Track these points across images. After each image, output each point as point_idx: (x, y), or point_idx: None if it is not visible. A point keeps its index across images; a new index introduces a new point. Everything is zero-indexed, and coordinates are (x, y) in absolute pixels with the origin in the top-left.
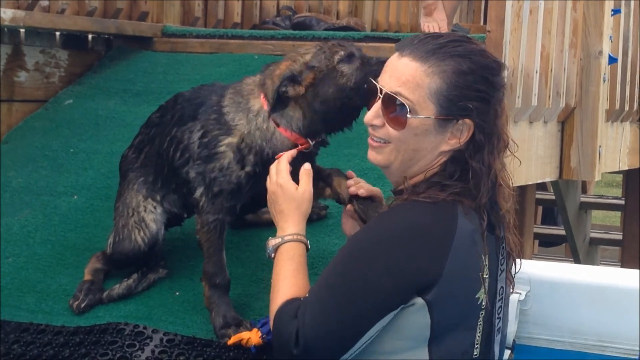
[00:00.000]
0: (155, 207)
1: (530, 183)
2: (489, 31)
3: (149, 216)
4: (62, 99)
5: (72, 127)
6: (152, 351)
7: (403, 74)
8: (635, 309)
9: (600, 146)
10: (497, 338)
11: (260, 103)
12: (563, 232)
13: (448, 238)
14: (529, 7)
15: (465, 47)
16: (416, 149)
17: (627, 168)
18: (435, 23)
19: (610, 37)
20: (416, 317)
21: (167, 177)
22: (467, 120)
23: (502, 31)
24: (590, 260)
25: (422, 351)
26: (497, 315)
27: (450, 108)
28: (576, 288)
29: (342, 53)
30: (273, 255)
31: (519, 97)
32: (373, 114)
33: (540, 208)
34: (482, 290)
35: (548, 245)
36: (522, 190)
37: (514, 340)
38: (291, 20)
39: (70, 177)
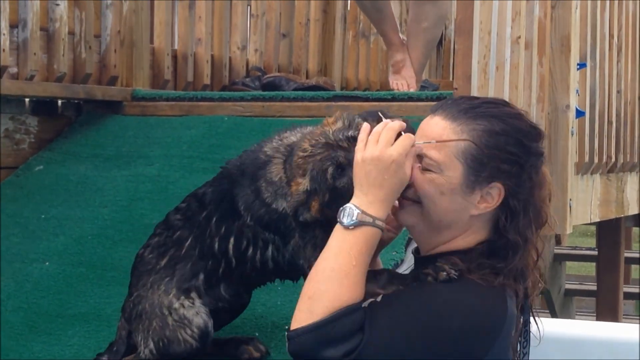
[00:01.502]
0: (193, 302)
1: None
2: (456, 88)
3: (189, 312)
4: (32, 165)
5: (43, 193)
6: None
7: (431, 133)
8: None
9: (570, 199)
10: None
11: None
12: None
13: (498, 326)
14: (495, 63)
15: (500, 109)
16: (445, 210)
17: (598, 220)
18: (404, 80)
19: (577, 90)
20: None
21: (225, 274)
22: (498, 184)
23: (469, 88)
24: (565, 311)
25: None
26: None
27: (479, 169)
28: (552, 341)
29: (331, 170)
30: (352, 227)
31: None
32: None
33: None
34: None
35: None
36: None
37: None
38: (261, 80)
39: (41, 244)
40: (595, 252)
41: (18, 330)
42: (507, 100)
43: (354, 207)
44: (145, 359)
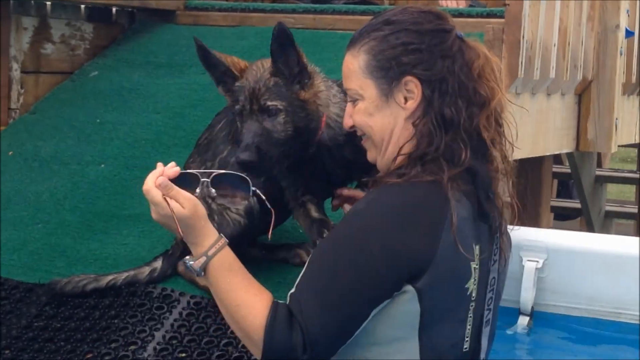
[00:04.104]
0: None
1: (548, 154)
2: (507, 4)
3: None
4: (87, 71)
5: (97, 98)
6: (180, 313)
7: (343, 69)
8: None
9: (617, 119)
10: (486, 330)
11: None
12: (578, 206)
13: (439, 222)
14: None
15: (386, 14)
16: (381, 128)
17: None
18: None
19: (628, 11)
20: (407, 305)
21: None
22: (408, 77)
23: (521, 4)
24: (605, 233)
25: (413, 341)
26: (487, 307)
27: (384, 73)
28: (592, 256)
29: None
30: (203, 274)
31: (537, 69)
32: (346, 117)
33: (555, 181)
34: (472, 280)
35: (563, 219)
36: (539, 161)
37: (532, 308)
38: None
39: (96, 147)
40: (636, 175)
41: (75, 229)
42: (558, 18)
43: (188, 264)
44: None
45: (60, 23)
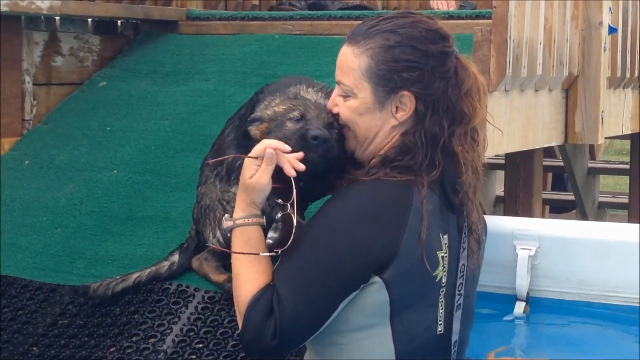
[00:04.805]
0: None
1: (538, 147)
2: (494, 7)
3: None
4: (96, 81)
5: (107, 107)
6: (195, 307)
7: (341, 62)
8: (636, 261)
9: (602, 111)
10: (458, 314)
11: None
12: (573, 198)
13: (402, 216)
14: None
15: (395, 22)
16: (367, 128)
17: (629, 132)
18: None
19: (610, 9)
20: (375, 295)
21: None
22: (405, 92)
23: (507, 5)
24: None
25: (385, 327)
26: (457, 292)
27: (384, 83)
28: (581, 243)
29: (296, 113)
30: (229, 235)
31: (524, 67)
32: (331, 103)
33: (550, 175)
34: (440, 268)
35: (559, 212)
36: (530, 155)
37: (527, 294)
38: (306, 0)
39: (109, 154)
40: (628, 166)
41: (92, 232)
42: (543, 17)
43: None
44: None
45: (69, 36)
